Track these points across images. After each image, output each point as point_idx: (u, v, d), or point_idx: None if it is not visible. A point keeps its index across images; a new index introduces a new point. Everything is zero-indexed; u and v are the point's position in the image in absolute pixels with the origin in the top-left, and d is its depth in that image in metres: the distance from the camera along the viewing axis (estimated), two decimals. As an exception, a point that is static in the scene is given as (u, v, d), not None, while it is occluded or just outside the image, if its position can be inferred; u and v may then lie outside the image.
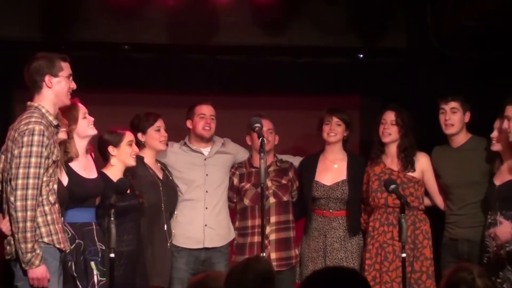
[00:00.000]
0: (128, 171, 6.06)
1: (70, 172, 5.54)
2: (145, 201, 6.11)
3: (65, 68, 5.17)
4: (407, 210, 6.25)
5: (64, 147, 5.50)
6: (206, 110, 6.60)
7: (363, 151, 7.49)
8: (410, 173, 6.45)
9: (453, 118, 6.35)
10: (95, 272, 5.50)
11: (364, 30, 7.38)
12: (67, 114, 5.53)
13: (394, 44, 7.49)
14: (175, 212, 6.54)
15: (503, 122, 5.94)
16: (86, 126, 5.65)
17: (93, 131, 5.70)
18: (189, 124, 6.63)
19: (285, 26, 7.32)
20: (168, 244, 6.39)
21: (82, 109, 5.66)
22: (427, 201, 6.55)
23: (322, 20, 7.31)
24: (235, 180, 6.65)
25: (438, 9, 6.94)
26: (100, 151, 6.00)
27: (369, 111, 7.82)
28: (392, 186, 5.73)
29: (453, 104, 6.36)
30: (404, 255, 5.59)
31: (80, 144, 5.64)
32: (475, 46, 6.93)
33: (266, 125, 6.48)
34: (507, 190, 5.92)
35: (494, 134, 6.05)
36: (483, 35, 6.76)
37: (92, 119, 5.69)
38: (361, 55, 7.87)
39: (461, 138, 6.40)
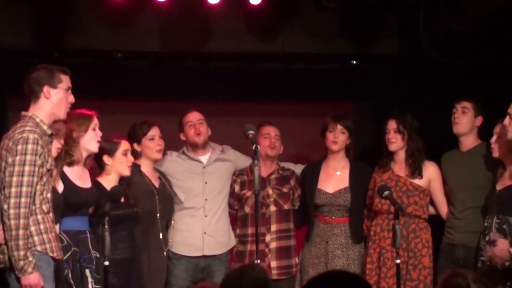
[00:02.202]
0: (123, 179, 6.06)
1: (65, 180, 5.56)
2: (140, 209, 6.11)
3: (65, 80, 5.18)
4: (407, 218, 6.27)
5: (69, 150, 5.53)
6: (192, 117, 6.60)
7: (357, 156, 7.49)
8: (417, 181, 6.42)
9: (462, 117, 6.35)
10: (89, 279, 5.51)
11: (356, 36, 7.40)
12: (79, 120, 5.61)
13: (387, 50, 7.51)
14: (173, 221, 6.54)
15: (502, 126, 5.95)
16: (92, 139, 5.68)
17: (95, 148, 5.73)
18: (182, 136, 6.64)
19: (277, 33, 7.34)
20: (164, 253, 6.38)
21: (95, 121, 5.71)
22: (431, 210, 6.53)
23: (314, 26, 7.32)
24: (236, 188, 6.65)
25: (431, 15, 6.95)
26: (95, 158, 5.99)
27: (362, 117, 7.83)
28: (386, 192, 5.73)
29: (465, 103, 6.34)
30: (398, 261, 5.58)
31: (83, 153, 5.67)
32: (467, 51, 6.95)
33: (274, 131, 6.61)
34: (505, 194, 5.89)
35: (493, 139, 6.02)
36: (476, 41, 6.78)
37: (100, 134, 5.72)
38: (354, 61, 7.88)
39: (470, 142, 6.39)
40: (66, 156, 5.57)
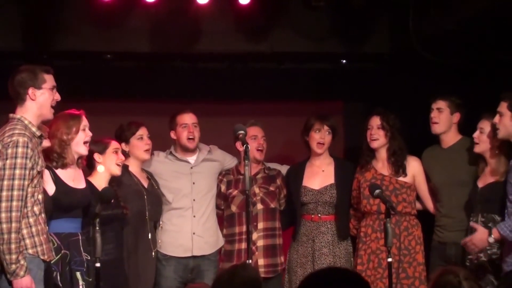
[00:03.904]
0: (113, 180, 6.05)
1: (58, 181, 5.54)
2: (129, 210, 6.10)
3: (48, 80, 5.17)
4: (398, 216, 6.27)
5: (62, 152, 5.52)
6: (187, 119, 6.58)
7: (347, 156, 7.50)
8: (401, 178, 6.44)
9: (438, 116, 6.37)
10: (80, 282, 5.50)
11: (346, 35, 7.40)
12: (69, 122, 5.60)
13: (377, 49, 7.52)
14: (161, 221, 6.53)
15: (487, 123, 5.97)
16: (81, 140, 5.65)
17: (85, 151, 5.71)
18: (173, 135, 6.62)
19: (267, 33, 7.33)
20: (153, 253, 6.37)
21: (84, 121, 5.69)
22: (418, 205, 6.54)
23: (304, 26, 7.32)
24: (223, 187, 6.65)
25: (420, 14, 6.96)
26: (86, 159, 5.97)
27: (353, 117, 7.84)
28: (377, 191, 5.70)
29: (439, 103, 6.38)
30: (390, 259, 5.55)
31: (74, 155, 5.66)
32: (457, 50, 6.96)
33: (260, 132, 6.61)
34: (488, 192, 5.93)
35: (476, 134, 6.05)
36: (465, 39, 6.79)
37: (90, 134, 5.70)
38: (344, 61, 7.88)
39: (450, 139, 6.41)
40: (59, 159, 5.56)
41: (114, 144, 6.06)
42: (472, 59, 7.02)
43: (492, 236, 5.64)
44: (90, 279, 5.51)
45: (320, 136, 6.57)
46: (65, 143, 5.59)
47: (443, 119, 6.38)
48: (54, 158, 5.55)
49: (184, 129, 6.57)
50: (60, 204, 5.49)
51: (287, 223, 6.73)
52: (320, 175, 6.61)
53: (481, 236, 5.71)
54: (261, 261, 6.49)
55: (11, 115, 5.12)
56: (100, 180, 5.95)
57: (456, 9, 6.59)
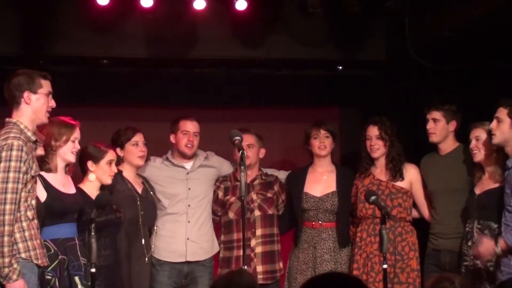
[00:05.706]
0: (105, 186, 6.03)
1: (48, 187, 5.52)
2: (123, 215, 6.09)
3: (45, 85, 5.18)
4: (392, 222, 6.28)
5: (45, 157, 5.51)
6: (190, 127, 6.57)
7: (344, 162, 7.50)
8: (398, 183, 6.46)
9: (435, 127, 6.38)
10: (79, 287, 5.48)
11: (342, 42, 7.41)
12: (61, 129, 5.58)
13: (373, 56, 7.52)
14: (155, 227, 6.52)
15: (481, 131, 5.98)
16: (69, 150, 5.63)
17: (73, 159, 5.69)
18: (172, 138, 6.61)
19: (263, 39, 7.34)
20: (146, 259, 6.35)
21: (76, 133, 5.66)
22: (415, 213, 6.56)
23: (300, 32, 7.33)
24: (220, 194, 6.64)
25: (416, 21, 6.97)
26: (80, 162, 5.97)
27: (349, 123, 7.85)
28: (373, 198, 5.72)
29: (435, 114, 6.39)
30: (385, 266, 5.57)
31: (59, 162, 5.62)
32: (453, 57, 6.97)
33: (247, 140, 6.46)
34: (485, 199, 5.94)
35: (473, 144, 6.06)
36: (461, 46, 6.80)
37: (78, 147, 5.69)
38: (340, 67, 7.89)
39: (448, 146, 6.42)
40: (42, 163, 5.52)
41: (109, 155, 6.02)
42: (468, 66, 7.03)
43: (499, 246, 5.65)
44: (89, 283, 5.50)
45: (320, 141, 6.58)
46: (51, 149, 5.57)
47: (440, 129, 6.38)
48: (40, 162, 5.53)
49: (185, 136, 6.56)
50: (53, 209, 5.47)
51: (286, 228, 6.72)
52: (322, 182, 6.61)
53: (487, 245, 5.72)
54: (259, 268, 6.49)
55: (7, 119, 5.12)
56: (91, 187, 5.95)
57: (452, 16, 6.61)
